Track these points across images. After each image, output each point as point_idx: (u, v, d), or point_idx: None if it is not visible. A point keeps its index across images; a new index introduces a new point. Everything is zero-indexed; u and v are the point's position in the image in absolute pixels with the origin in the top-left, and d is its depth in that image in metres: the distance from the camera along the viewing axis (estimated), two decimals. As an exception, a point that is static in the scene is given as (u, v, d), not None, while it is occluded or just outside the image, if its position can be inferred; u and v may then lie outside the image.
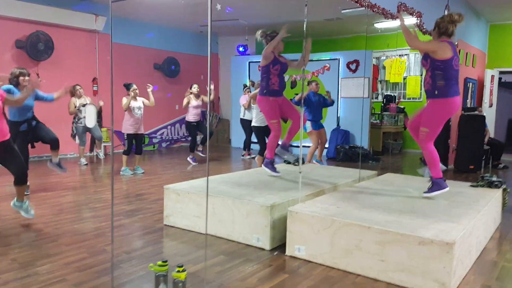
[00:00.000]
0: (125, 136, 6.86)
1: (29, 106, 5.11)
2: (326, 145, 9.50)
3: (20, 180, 4.07)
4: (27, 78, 4.99)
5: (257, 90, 7.25)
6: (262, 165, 4.99)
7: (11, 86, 4.82)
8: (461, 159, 8.14)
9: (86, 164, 7.81)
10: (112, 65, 2.19)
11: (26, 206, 4.15)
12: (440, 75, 3.71)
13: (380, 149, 10.13)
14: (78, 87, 7.60)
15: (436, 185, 3.90)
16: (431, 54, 3.74)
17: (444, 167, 4.01)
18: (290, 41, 5.72)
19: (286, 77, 9.23)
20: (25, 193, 4.33)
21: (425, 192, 3.96)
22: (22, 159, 4.12)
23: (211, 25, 2.76)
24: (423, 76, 3.98)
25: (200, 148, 8.58)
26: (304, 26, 3.90)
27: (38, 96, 5.20)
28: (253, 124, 7.27)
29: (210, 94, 3.40)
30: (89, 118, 7.59)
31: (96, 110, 7.69)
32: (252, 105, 7.69)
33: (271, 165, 4.90)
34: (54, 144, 5.26)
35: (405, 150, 11.03)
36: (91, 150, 8.82)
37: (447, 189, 3.90)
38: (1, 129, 3.92)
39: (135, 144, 6.94)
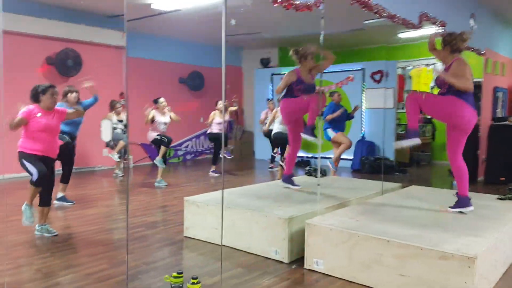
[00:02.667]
0: (157, 137, 6.89)
1: (78, 121, 5.42)
2: (351, 157, 9.40)
3: (45, 202, 4.21)
4: (74, 94, 5.31)
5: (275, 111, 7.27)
6: (281, 182, 4.97)
7: (62, 104, 5.11)
8: (492, 170, 7.88)
9: (123, 176, 7.98)
10: (127, 79, 2.26)
11: (47, 227, 4.26)
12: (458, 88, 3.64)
13: (407, 160, 9.93)
14: (118, 105, 7.80)
15: (461, 202, 3.83)
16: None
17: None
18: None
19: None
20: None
21: (450, 207, 3.90)
22: (53, 183, 4.30)
23: (225, 40, 2.81)
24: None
25: (212, 168, 8.39)
26: (321, 38, 3.91)
27: (84, 105, 5.43)
28: (275, 131, 7.24)
29: (224, 112, 3.44)
30: (105, 132, 7.76)
31: (111, 125, 7.83)
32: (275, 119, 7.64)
33: (289, 179, 4.89)
34: (66, 179, 5.46)
35: (434, 161, 10.77)
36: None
37: (470, 208, 3.81)
38: (54, 146, 4.16)
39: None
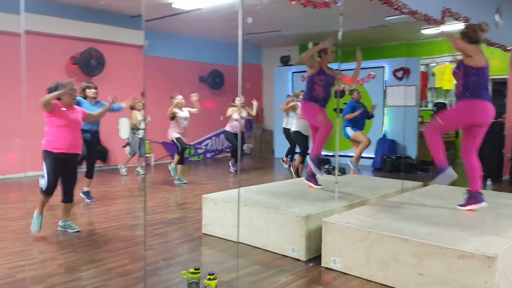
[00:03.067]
0: (175, 140, 7.04)
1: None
2: (372, 155, 9.31)
3: (68, 198, 4.30)
4: (93, 90, 5.38)
5: (294, 103, 7.24)
6: (303, 179, 4.93)
7: (80, 98, 5.20)
8: (517, 169, 7.68)
9: (144, 174, 8.06)
10: (145, 77, 2.29)
11: (70, 223, 4.36)
12: (473, 82, 3.60)
13: (430, 159, 9.74)
14: (137, 101, 7.93)
15: (473, 199, 3.76)
16: (467, 59, 3.64)
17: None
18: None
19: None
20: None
21: (459, 205, 3.84)
22: (76, 180, 4.38)
23: (243, 38, 2.84)
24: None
25: (232, 161, 8.48)
26: (339, 35, 3.89)
27: (113, 109, 5.48)
28: (294, 129, 7.21)
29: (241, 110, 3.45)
30: (123, 130, 7.87)
31: (129, 123, 7.93)
32: (293, 113, 7.59)
33: (312, 178, 4.83)
34: (90, 174, 5.57)
35: (458, 160, 10.54)
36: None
37: (484, 204, 3.73)
38: (78, 143, 4.26)
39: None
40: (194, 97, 7.05)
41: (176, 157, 7.14)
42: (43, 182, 4.16)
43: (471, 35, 3.70)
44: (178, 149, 7.07)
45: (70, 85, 4.16)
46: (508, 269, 2.79)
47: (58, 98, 4.13)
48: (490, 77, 3.72)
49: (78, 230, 4.31)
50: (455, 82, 10.35)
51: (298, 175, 7.26)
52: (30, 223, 4.17)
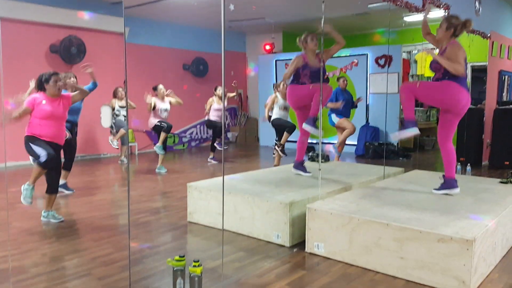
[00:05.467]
0: (157, 124, 6.91)
1: (77, 108, 5.38)
2: (355, 142, 9.40)
3: (53, 189, 4.26)
4: (73, 79, 5.29)
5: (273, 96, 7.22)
6: (292, 169, 4.97)
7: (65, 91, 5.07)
8: (496, 154, 7.85)
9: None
10: (127, 65, 2.28)
11: (53, 213, 4.32)
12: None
13: (412, 145, 9.91)
14: (120, 89, 7.80)
15: (448, 184, 3.88)
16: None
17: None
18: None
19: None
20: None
21: (434, 189, 3.96)
22: (60, 170, 4.30)
23: (226, 25, 2.82)
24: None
25: (211, 155, 8.31)
26: (322, 22, 3.90)
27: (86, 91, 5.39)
28: (274, 116, 7.20)
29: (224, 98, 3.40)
30: (104, 119, 7.75)
31: (111, 111, 7.81)
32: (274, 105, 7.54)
33: (301, 166, 4.88)
34: (69, 166, 5.46)
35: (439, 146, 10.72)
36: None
37: (457, 190, 3.84)
38: (61, 133, 4.24)
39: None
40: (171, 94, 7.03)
41: (162, 135, 6.93)
42: (42, 155, 3.98)
43: (457, 28, 3.70)
44: (163, 128, 6.89)
45: (55, 77, 4.13)
46: (485, 252, 2.88)
47: (44, 90, 4.12)
48: (470, 64, 3.77)
49: (61, 220, 4.28)
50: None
51: (283, 152, 7.18)
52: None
